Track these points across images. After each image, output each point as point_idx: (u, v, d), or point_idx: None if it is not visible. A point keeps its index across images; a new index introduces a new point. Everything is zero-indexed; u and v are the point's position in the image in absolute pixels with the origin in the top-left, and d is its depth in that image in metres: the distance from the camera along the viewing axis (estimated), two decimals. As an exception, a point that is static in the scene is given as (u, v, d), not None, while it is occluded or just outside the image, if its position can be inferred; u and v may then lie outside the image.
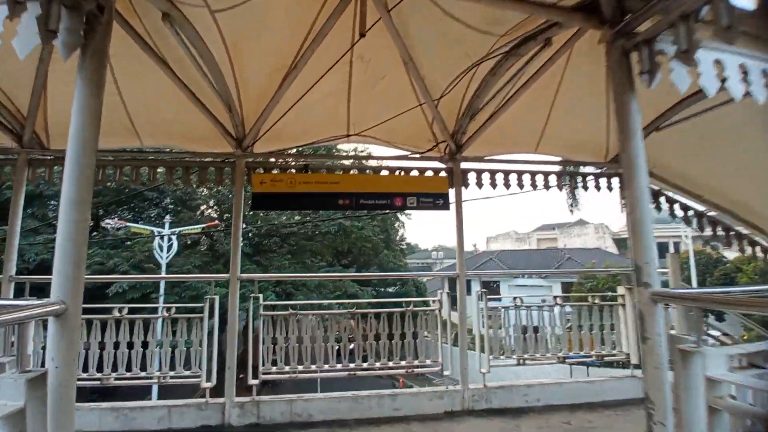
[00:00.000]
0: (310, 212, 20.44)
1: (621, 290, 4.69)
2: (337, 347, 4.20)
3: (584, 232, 51.60)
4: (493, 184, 4.54)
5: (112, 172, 4.44)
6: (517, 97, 3.90)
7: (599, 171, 4.90)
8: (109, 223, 15.34)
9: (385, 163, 4.44)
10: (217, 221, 16.69)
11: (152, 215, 19.20)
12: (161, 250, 14.67)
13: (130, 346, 3.85)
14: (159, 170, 4.51)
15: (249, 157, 4.22)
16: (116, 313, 3.85)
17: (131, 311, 3.94)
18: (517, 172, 4.64)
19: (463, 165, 4.50)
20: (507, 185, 4.58)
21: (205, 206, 17.40)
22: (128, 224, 15.64)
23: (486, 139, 4.43)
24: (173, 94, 3.70)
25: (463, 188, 4.46)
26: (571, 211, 20.40)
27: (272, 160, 4.43)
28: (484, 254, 44.26)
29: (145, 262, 15.18)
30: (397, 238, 33.26)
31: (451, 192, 4.44)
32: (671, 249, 46.26)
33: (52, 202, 17.23)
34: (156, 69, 3.45)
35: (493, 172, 4.56)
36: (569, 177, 4.73)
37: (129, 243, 16.30)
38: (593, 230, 50.51)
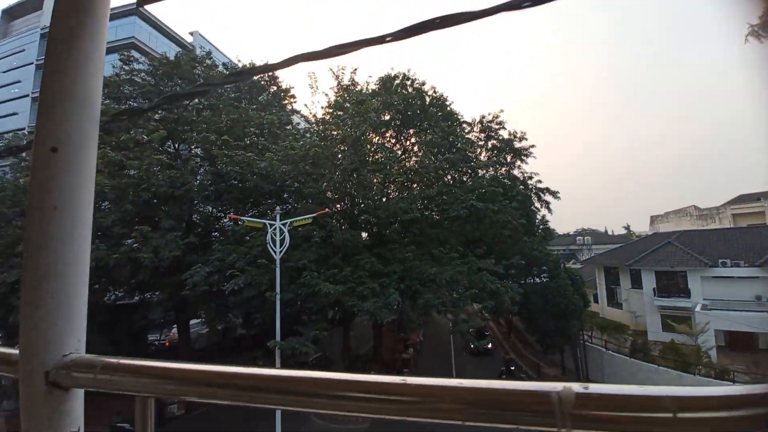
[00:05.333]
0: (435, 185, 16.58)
1: None
2: None
3: (811, 200, 36.41)
4: None
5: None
6: None
7: None
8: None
9: None
10: (327, 209, 14.73)
11: (273, 210, 18.63)
12: (274, 245, 13.25)
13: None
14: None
15: None
16: None
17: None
18: None
19: None
20: None
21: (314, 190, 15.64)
22: (241, 218, 14.79)
23: None
24: None
25: None
26: None
27: None
28: (656, 237, 34.21)
29: (259, 257, 14.02)
30: (537, 221, 27.51)
31: None
32: None
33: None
34: None
35: None
36: None
37: (248, 238, 15.52)
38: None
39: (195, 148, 20.66)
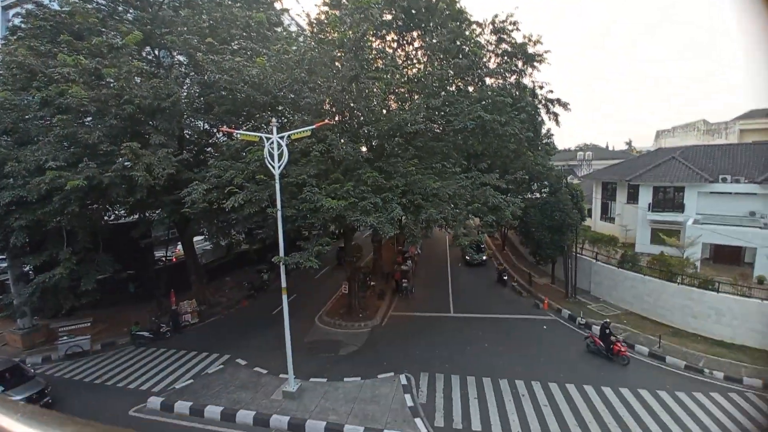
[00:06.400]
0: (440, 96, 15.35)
1: None
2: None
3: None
4: None
5: None
6: None
7: None
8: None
9: None
10: (327, 120, 13.81)
11: (268, 123, 17.59)
12: (272, 159, 12.66)
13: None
14: None
15: None
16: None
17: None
18: None
19: None
20: None
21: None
22: (235, 131, 13.92)
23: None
24: None
25: None
26: None
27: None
28: (660, 152, 33.46)
29: (258, 172, 13.53)
30: (542, 134, 26.48)
31: None
32: None
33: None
34: None
35: None
36: None
37: (244, 154, 14.85)
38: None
39: (177, 54, 18.78)
